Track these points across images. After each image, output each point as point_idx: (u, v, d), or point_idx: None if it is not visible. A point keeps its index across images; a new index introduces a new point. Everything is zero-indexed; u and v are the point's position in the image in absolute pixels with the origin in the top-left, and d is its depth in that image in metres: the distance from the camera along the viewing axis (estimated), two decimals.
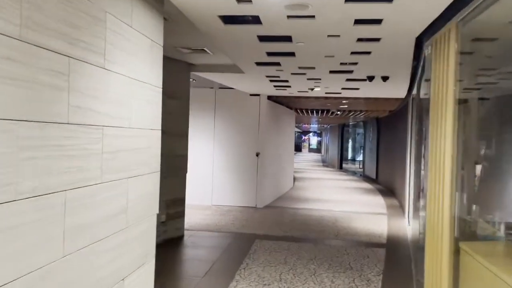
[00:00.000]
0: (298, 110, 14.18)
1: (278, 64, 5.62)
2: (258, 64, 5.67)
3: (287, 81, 7.21)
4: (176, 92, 6.29)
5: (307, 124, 30.81)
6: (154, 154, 3.21)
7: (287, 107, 12.62)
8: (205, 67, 6.55)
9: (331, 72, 6.16)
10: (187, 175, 9.60)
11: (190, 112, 10.07)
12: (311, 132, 50.14)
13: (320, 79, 6.86)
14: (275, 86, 7.97)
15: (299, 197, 11.61)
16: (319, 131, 48.22)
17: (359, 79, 6.73)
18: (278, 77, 6.77)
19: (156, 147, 3.24)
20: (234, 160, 9.68)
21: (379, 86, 7.40)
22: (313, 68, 5.85)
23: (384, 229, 7.82)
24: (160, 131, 3.31)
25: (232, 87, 8.56)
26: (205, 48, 5.25)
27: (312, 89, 8.19)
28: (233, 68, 6.41)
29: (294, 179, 15.84)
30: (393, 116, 13.66)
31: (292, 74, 6.41)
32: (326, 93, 8.87)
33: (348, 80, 6.85)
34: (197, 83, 8.92)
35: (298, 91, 8.75)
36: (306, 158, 37.32)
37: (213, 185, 9.73)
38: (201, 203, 9.69)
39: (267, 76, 6.80)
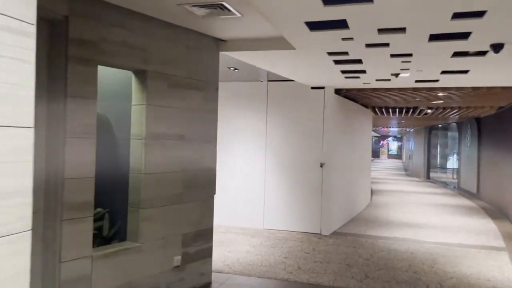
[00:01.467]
0: (376, 109, 11.77)
1: (343, 25, 3.55)
2: (312, 26, 3.65)
3: (359, 61, 5.08)
4: (199, 80, 4.48)
5: (386, 127, 27.84)
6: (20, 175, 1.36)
7: (362, 105, 10.33)
8: (238, 44, 4.66)
9: (431, 39, 3.94)
10: (232, 191, 7.69)
11: (234, 112, 8.06)
12: (390, 136, 46.44)
13: (411, 54, 4.64)
14: (343, 72, 5.86)
15: (379, 219, 9.25)
16: (399, 135, 44.65)
17: (476, 52, 4.41)
18: (346, 54, 4.67)
19: (25, 160, 1.39)
20: (292, 173, 7.67)
21: (502, 65, 4.99)
22: (403, 31, 3.70)
23: (510, 276, 5.34)
24: (32, 130, 1.43)
25: (284, 76, 6.55)
26: (224, 2, 3.36)
27: (397, 75, 5.94)
28: (278, 42, 4.45)
29: (372, 192, 13.39)
30: (502, 115, 10.76)
31: (367, 46, 4.29)
32: (416, 81, 6.54)
33: (456, 54, 4.56)
34: (242, 74, 7.06)
35: (376, 80, 6.53)
36: (385, 166, 34.05)
37: (265, 204, 7.78)
38: (250, 225, 7.80)
39: (330, 54, 4.73)
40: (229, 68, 6.45)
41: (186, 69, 4.29)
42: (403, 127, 25.77)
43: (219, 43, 4.67)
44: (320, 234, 7.47)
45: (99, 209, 3.91)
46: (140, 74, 3.89)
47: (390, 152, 50.82)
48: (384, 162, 40.31)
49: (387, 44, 4.21)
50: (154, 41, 3.89)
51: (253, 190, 7.85)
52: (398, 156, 48.46)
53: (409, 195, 14.05)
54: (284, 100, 7.75)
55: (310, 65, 5.48)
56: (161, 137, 4.03)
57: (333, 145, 7.68)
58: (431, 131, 21.35)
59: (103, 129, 3.98)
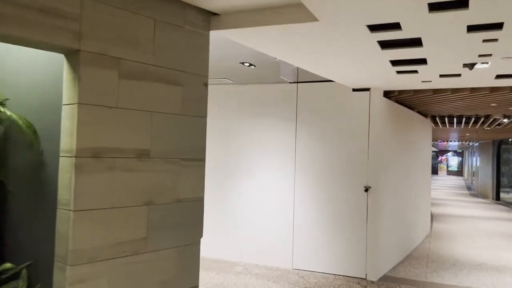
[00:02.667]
0: (437, 119, 9.91)
1: None
2: None
3: (417, 42, 3.51)
4: (177, 70, 3.11)
5: (445, 141, 25.32)
6: None
7: (419, 113, 8.57)
8: (237, 18, 3.27)
9: None
10: (253, 221, 6.27)
11: (253, 123, 6.57)
12: (449, 151, 43.16)
13: (500, 25, 3.03)
14: (394, 63, 4.29)
15: (442, 257, 7.39)
16: (460, 150, 41.46)
17: None
18: (397, 27, 3.13)
19: None
20: (328, 199, 6.11)
21: None
22: None
23: None
24: None
25: (311, 71, 5.03)
26: None
27: (471, 67, 4.29)
28: (294, 12, 3.02)
29: (432, 217, 11.40)
30: None
31: (431, 9, 2.74)
32: (498, 76, 4.83)
33: None
34: (261, 73, 5.65)
35: (441, 76, 4.89)
36: (444, 183, 31.16)
37: (295, 238, 6.25)
38: (275, 264, 6.28)
39: (373, 29, 3.22)
40: (242, 63, 5.07)
41: (154, 53, 2.95)
42: (465, 141, 23.22)
43: (209, 18, 3.30)
44: (365, 279, 5.81)
45: (8, 265, 2.61)
46: (72, 57, 2.59)
47: (450, 169, 47.76)
48: (443, 180, 37.17)
49: (463, 3, 2.64)
50: (94, 5, 2.58)
51: (279, 221, 6.35)
52: (459, 172, 45.40)
53: (479, 222, 11.89)
54: (318, 107, 6.24)
55: (343, 49, 3.98)
56: (106, 153, 2.68)
57: (382, 164, 6.04)
58: (500, 145, 18.80)
59: (21, 142, 2.71)
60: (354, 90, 5.99)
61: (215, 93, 6.84)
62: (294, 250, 6.23)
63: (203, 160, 3.34)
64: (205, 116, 3.35)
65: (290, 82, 6.25)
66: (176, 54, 3.10)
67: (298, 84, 6.27)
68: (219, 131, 6.79)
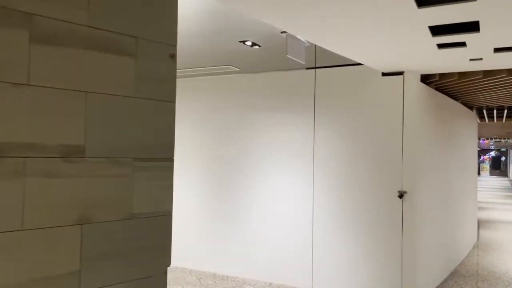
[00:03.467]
0: (484, 111, 8.68)
1: None
2: None
3: None
4: (125, 35, 2.25)
5: (488, 138, 23.59)
6: None
7: (464, 104, 7.42)
8: None
9: None
10: (265, 234, 5.40)
11: (263, 117, 5.67)
12: (492, 150, 40.80)
13: None
14: (435, 31, 3.29)
15: (495, 274, 6.24)
16: (503, 149, 39.21)
17: None
18: None
19: None
20: (353, 207, 5.12)
21: None
22: None
23: None
24: None
25: (326, 47, 4.05)
26: None
27: None
28: None
29: (478, 224, 10.13)
30: None
31: None
32: None
33: None
34: (270, 54, 4.75)
35: (496, 50, 3.83)
36: (487, 184, 29.18)
37: (314, 254, 5.29)
38: (292, 284, 5.35)
39: None
40: (243, 42, 4.19)
41: (89, 9, 2.09)
42: (509, 138, 21.52)
43: None
44: None
45: None
46: None
47: (493, 168, 45.55)
48: (486, 180, 35.01)
49: None
50: None
51: (296, 233, 5.41)
52: (503, 173, 43.09)
53: None
54: (341, 97, 5.27)
55: (367, 11, 3.02)
56: (12, 151, 1.85)
57: (420, 164, 5.01)
58: None
59: None
60: (384, 74, 4.99)
61: (217, 84, 6.04)
62: (314, 267, 5.27)
63: (171, 160, 2.46)
64: (172, 101, 2.47)
65: (307, 68, 5.31)
66: (124, 10, 2.24)
67: (316, 70, 5.32)
68: (223, 128, 5.93)
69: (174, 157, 2.44)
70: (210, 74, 5.95)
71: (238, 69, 5.51)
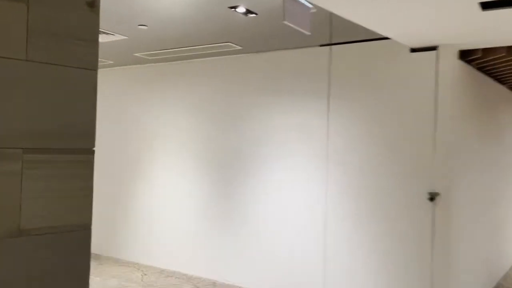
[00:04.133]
0: None
1: None
2: None
3: None
4: None
5: None
6: None
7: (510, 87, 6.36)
8: None
9: None
10: (269, 241, 4.67)
11: (268, 104, 4.83)
12: None
13: None
14: None
15: None
16: None
17: None
18: None
19: None
20: (375, 210, 4.29)
21: None
22: None
23: None
24: None
25: (338, 12, 3.20)
26: None
27: None
28: None
29: None
30: None
31: None
32: None
33: None
34: (273, 27, 3.95)
35: None
36: None
37: (327, 266, 4.50)
38: None
39: None
40: (233, 8, 3.42)
41: None
42: None
43: None
44: None
45: None
46: None
47: None
48: None
49: None
50: None
51: (306, 241, 4.64)
52: None
53: None
54: (361, 77, 4.42)
55: None
56: None
57: (457, 161, 4.11)
58: None
59: None
60: (413, 50, 4.11)
61: (215, 66, 5.31)
62: (327, 282, 4.49)
63: (88, 152, 1.75)
64: (91, 69, 1.75)
65: (320, 45, 4.48)
66: None
67: (332, 47, 4.49)
68: (222, 117, 5.21)
69: (94, 148, 1.71)
70: (211, 55, 5.22)
71: (240, 48, 4.75)
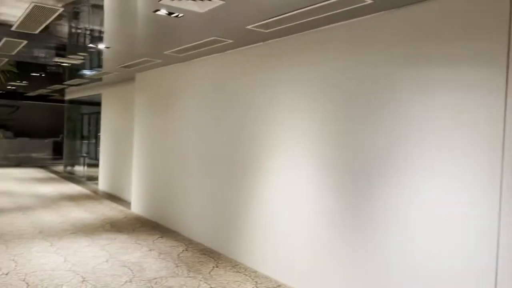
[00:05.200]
0: None
1: None
2: None
3: None
4: None
5: None
6: None
7: None
8: None
9: None
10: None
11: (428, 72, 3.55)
12: None
13: None
14: None
15: None
16: None
17: None
18: None
19: None
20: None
21: None
22: None
23: None
24: None
25: None
26: None
27: None
28: None
29: None
30: None
31: None
32: None
33: None
34: None
35: None
36: None
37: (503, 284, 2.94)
38: None
39: None
40: None
41: None
42: None
43: None
44: None
45: None
46: None
47: None
48: None
49: None
50: None
51: (468, 260, 3.15)
52: None
53: None
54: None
55: None
56: None
57: None
58: None
59: None
60: None
61: (341, 33, 4.00)
62: None
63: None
64: None
65: None
66: None
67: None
68: (357, 102, 3.98)
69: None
70: (336, 20, 4.03)
71: (371, 1, 3.45)
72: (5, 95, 17.75)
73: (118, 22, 5.03)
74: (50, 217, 7.87)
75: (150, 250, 5.95)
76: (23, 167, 17.28)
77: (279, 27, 4.50)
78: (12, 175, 14.36)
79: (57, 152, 18.28)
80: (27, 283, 4.53)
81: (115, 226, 7.35)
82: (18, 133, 19.54)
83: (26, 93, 16.91)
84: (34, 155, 19.29)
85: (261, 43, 5.34)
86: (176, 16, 4.33)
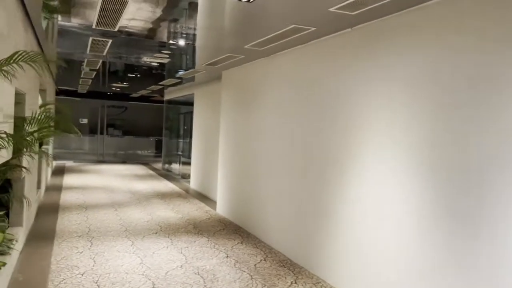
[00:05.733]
0: None
1: None
2: None
3: None
4: None
5: None
6: None
7: None
8: None
9: None
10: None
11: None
12: None
13: None
14: None
15: None
16: None
17: None
18: None
19: None
20: None
21: None
22: None
23: None
24: None
25: None
26: None
27: None
28: None
29: None
30: None
31: None
32: None
33: None
34: None
35: None
36: None
37: None
38: None
39: None
40: None
41: None
42: None
43: None
44: None
45: None
46: None
47: None
48: None
49: None
50: None
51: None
52: None
53: None
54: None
55: None
56: None
57: None
58: None
59: None
60: None
61: (445, 13, 3.15)
62: None
63: None
64: None
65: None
66: None
67: None
68: (465, 95, 3.14)
69: None
70: None
71: None
72: (113, 97, 19.04)
73: (203, 15, 4.72)
74: (138, 214, 7.97)
75: (227, 256, 5.58)
76: (129, 163, 18.38)
77: (369, 7, 3.78)
78: (116, 171, 15.26)
79: (160, 150, 19.20)
80: (98, 286, 4.41)
81: (198, 227, 7.15)
82: (125, 132, 20.89)
83: (130, 94, 17.94)
84: (139, 152, 20.50)
85: (350, 29, 4.64)
86: (248, 1, 3.86)
